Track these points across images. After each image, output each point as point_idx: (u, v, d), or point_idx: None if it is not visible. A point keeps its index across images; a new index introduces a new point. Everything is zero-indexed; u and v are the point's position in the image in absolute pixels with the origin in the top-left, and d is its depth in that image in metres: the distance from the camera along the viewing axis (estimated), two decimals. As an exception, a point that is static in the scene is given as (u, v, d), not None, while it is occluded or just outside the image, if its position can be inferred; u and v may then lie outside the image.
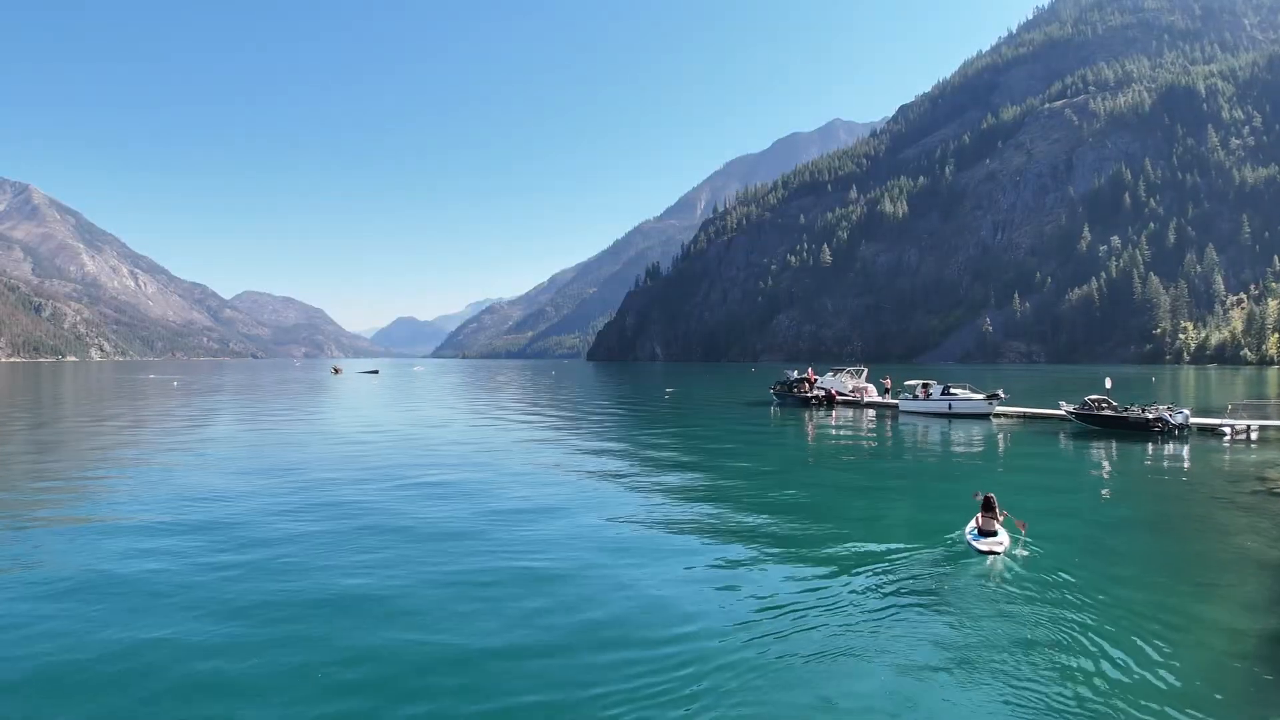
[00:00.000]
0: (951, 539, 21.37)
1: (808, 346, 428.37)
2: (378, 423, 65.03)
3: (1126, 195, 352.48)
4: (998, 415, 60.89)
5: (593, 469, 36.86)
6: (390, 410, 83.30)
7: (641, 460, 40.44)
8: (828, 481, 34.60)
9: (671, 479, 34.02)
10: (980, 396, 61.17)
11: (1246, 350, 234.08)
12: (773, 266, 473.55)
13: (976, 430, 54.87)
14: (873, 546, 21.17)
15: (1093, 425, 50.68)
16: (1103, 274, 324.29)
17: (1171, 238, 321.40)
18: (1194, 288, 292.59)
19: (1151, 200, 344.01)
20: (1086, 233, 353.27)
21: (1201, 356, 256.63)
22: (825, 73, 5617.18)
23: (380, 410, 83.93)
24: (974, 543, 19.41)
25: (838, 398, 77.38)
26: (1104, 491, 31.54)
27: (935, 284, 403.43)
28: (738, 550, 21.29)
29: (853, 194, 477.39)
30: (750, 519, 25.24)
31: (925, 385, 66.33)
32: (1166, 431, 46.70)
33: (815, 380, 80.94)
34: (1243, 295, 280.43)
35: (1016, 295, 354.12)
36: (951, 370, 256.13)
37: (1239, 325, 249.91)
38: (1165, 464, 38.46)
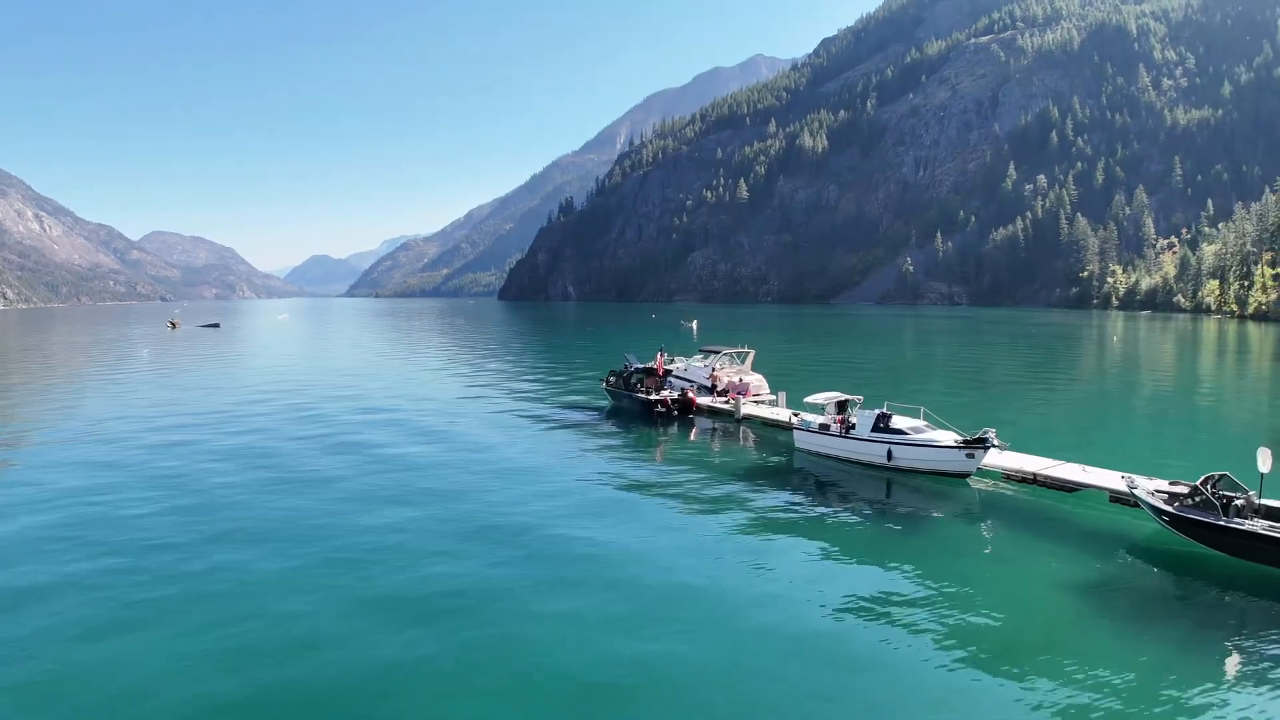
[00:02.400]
0: None
1: (723, 286, 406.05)
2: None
3: (1054, 134, 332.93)
4: (985, 478, 32.94)
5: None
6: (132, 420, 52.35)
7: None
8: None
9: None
10: (951, 440, 32.76)
11: (1180, 297, 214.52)
12: (688, 203, 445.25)
13: (945, 508, 27.53)
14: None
15: (1214, 547, 22.86)
16: (1028, 214, 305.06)
17: (1100, 178, 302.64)
18: (1123, 230, 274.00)
19: (1079, 140, 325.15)
20: (1012, 171, 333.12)
21: (1131, 302, 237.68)
22: (748, 6, 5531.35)
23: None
24: None
25: (697, 404, 48.92)
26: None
27: (855, 222, 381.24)
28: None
29: (772, 128, 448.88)
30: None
31: (842, 404, 37.91)
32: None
33: (665, 371, 51.79)
34: (1174, 239, 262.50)
35: (939, 234, 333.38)
36: (876, 324, 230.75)
37: (1171, 270, 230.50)
38: None
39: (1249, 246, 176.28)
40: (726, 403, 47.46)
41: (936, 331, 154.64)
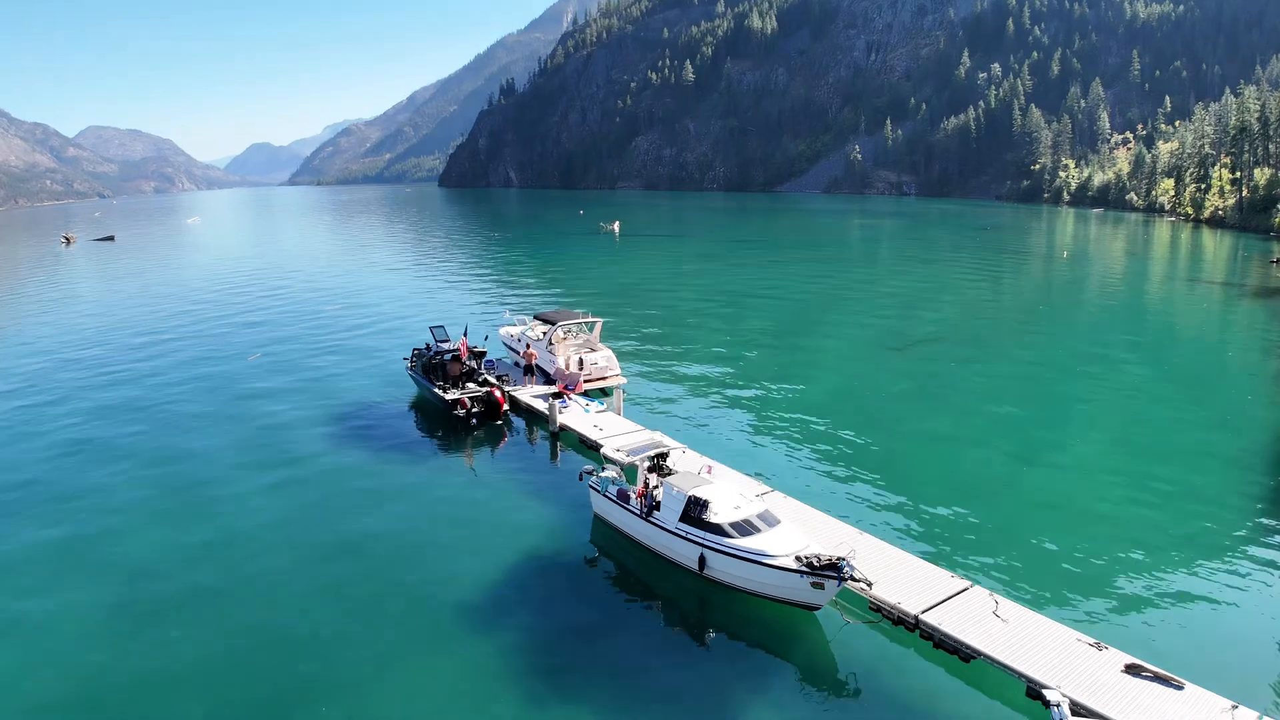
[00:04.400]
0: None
1: (668, 172, 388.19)
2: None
3: (1010, 22, 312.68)
4: (849, 608, 21.27)
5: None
6: None
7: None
8: None
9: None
10: (792, 554, 20.77)
11: (1133, 195, 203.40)
12: (633, 85, 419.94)
13: (779, 656, 20.52)
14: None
15: None
16: (981, 104, 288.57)
17: (1056, 70, 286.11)
18: (1078, 124, 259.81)
19: (1036, 29, 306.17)
20: (966, 59, 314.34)
21: (1082, 198, 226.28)
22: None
23: None
24: None
25: (506, 405, 36.66)
26: None
27: (804, 107, 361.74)
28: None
29: (720, 8, 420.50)
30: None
31: (659, 459, 25.62)
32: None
33: (469, 354, 39.03)
34: (1129, 135, 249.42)
35: (889, 122, 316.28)
36: (813, 223, 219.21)
37: (1125, 167, 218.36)
38: None
39: (1207, 149, 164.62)
40: (551, 400, 34.85)
41: (878, 237, 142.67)
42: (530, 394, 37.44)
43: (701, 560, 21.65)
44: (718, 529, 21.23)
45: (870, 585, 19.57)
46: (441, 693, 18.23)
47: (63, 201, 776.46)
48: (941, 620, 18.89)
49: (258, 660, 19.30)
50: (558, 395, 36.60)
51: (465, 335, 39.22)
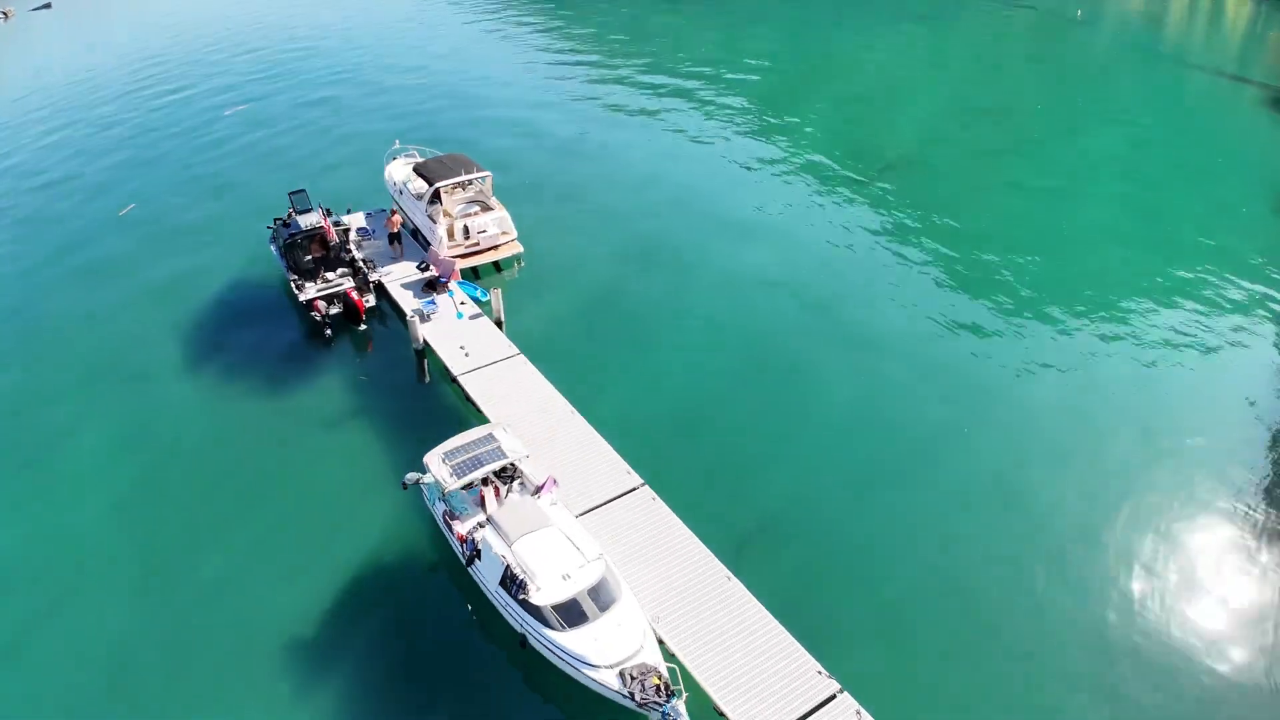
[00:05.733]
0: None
1: None
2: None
3: None
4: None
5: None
6: None
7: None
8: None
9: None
10: (613, 666, 16.72)
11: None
12: None
13: None
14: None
15: None
16: None
17: None
18: None
19: None
20: None
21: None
22: None
23: None
24: None
25: (365, 310, 31.10)
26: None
27: None
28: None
29: None
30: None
31: (500, 476, 20.88)
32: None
33: (336, 233, 32.28)
34: None
35: None
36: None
37: None
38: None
39: None
40: (413, 315, 29.24)
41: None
42: (400, 281, 31.69)
43: (523, 640, 17.74)
44: (538, 613, 17.08)
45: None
46: None
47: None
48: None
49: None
50: (431, 284, 30.99)
51: (328, 213, 32.11)
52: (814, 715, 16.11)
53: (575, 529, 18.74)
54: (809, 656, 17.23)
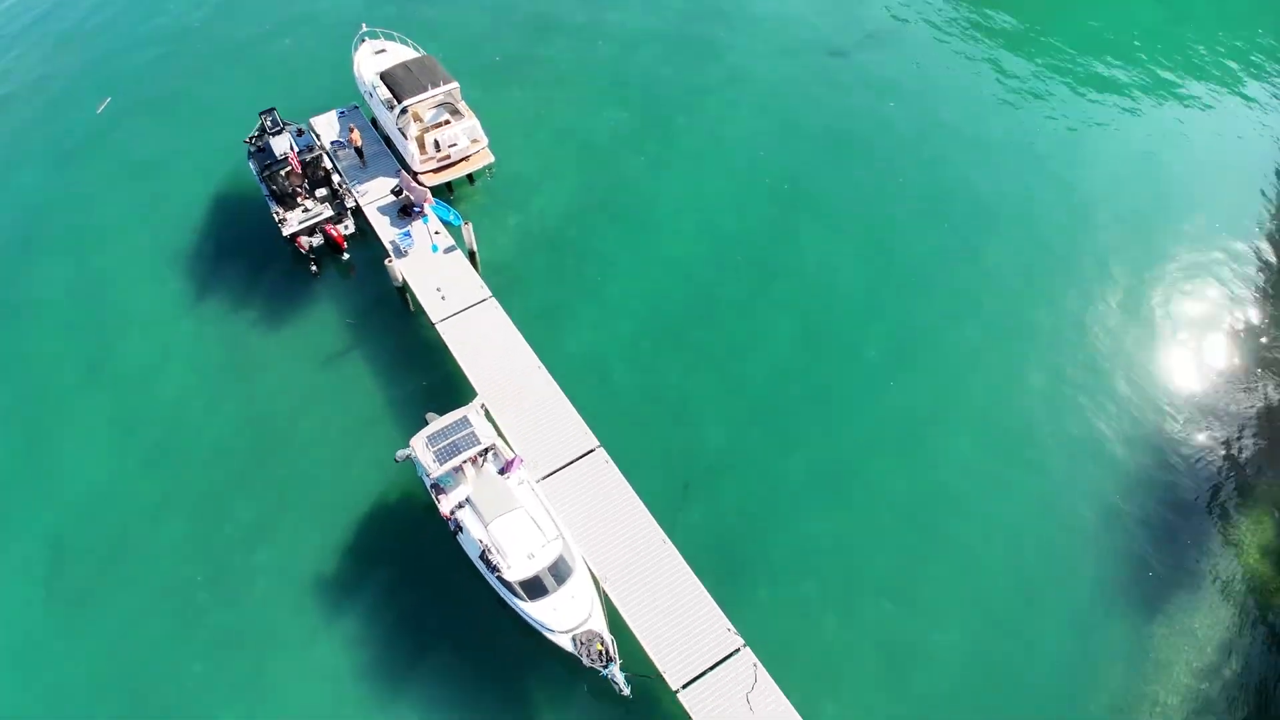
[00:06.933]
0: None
1: None
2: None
3: None
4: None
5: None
6: None
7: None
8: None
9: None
10: (568, 630, 21.49)
11: None
12: None
13: None
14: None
15: None
16: None
17: None
18: None
19: None
20: None
21: None
22: None
23: None
24: None
25: (344, 242, 33.19)
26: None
27: None
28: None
29: None
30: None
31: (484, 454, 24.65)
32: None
33: (302, 168, 33.04)
34: None
35: None
36: None
37: None
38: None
39: None
40: (390, 261, 31.48)
41: None
42: (376, 205, 33.40)
43: (500, 601, 22.44)
44: (509, 587, 21.64)
45: (627, 691, 20.70)
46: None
47: None
48: (693, 703, 20.55)
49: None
50: (406, 209, 32.87)
51: (294, 147, 33.05)
52: (720, 666, 21.12)
53: (538, 509, 22.87)
54: (721, 614, 22.04)
